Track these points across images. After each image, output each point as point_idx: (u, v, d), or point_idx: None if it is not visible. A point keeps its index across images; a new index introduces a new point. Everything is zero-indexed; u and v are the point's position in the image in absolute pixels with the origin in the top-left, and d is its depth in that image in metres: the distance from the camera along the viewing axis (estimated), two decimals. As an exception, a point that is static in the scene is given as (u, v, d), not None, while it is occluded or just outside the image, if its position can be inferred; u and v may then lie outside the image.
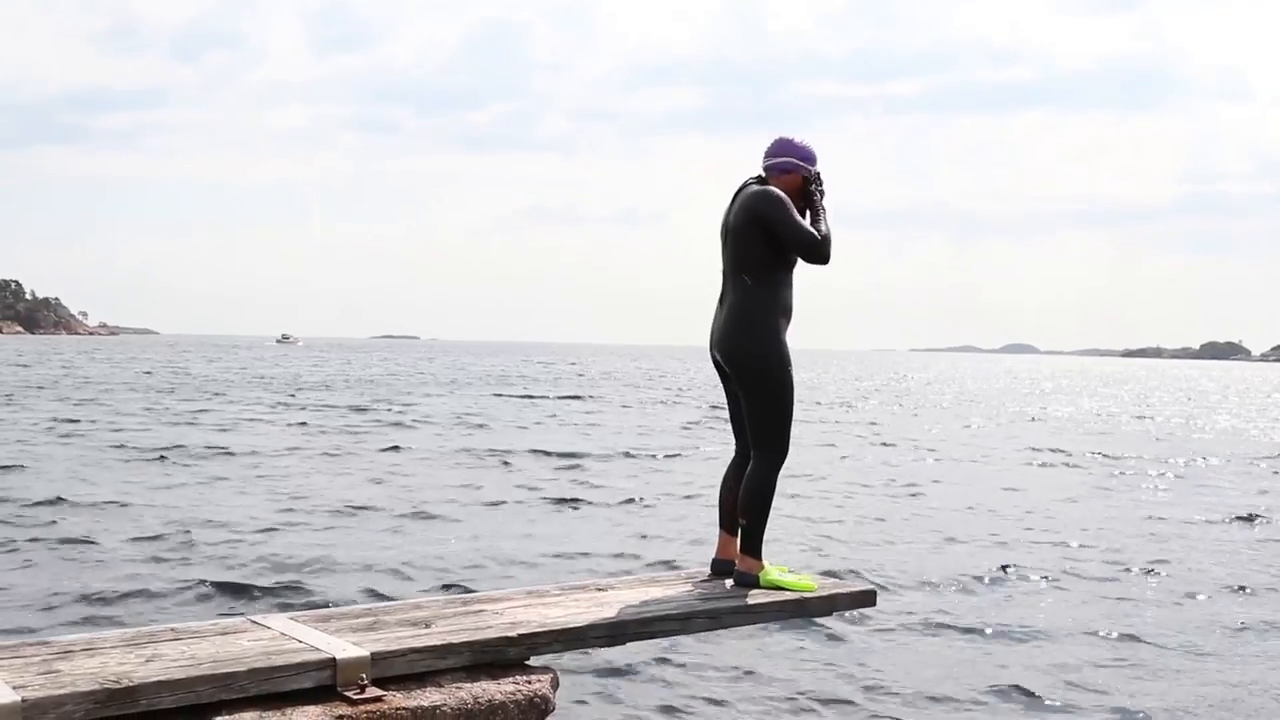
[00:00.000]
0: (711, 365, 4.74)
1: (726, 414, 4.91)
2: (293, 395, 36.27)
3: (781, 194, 4.49)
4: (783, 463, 4.58)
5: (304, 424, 24.29)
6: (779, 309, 4.52)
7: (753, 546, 4.55)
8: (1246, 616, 8.77)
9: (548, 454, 19.14)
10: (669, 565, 9.44)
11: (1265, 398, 59.83)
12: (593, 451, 19.88)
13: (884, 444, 23.66)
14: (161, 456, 17.14)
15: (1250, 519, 13.93)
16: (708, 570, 4.90)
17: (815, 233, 4.47)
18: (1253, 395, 63.54)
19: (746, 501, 4.53)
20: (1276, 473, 20.46)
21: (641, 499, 14.01)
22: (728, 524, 4.75)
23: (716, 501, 4.82)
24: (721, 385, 4.79)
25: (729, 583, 4.62)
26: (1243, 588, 9.84)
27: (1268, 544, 12.27)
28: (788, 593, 4.48)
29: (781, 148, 4.66)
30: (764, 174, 4.67)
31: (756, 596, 4.43)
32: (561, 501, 13.71)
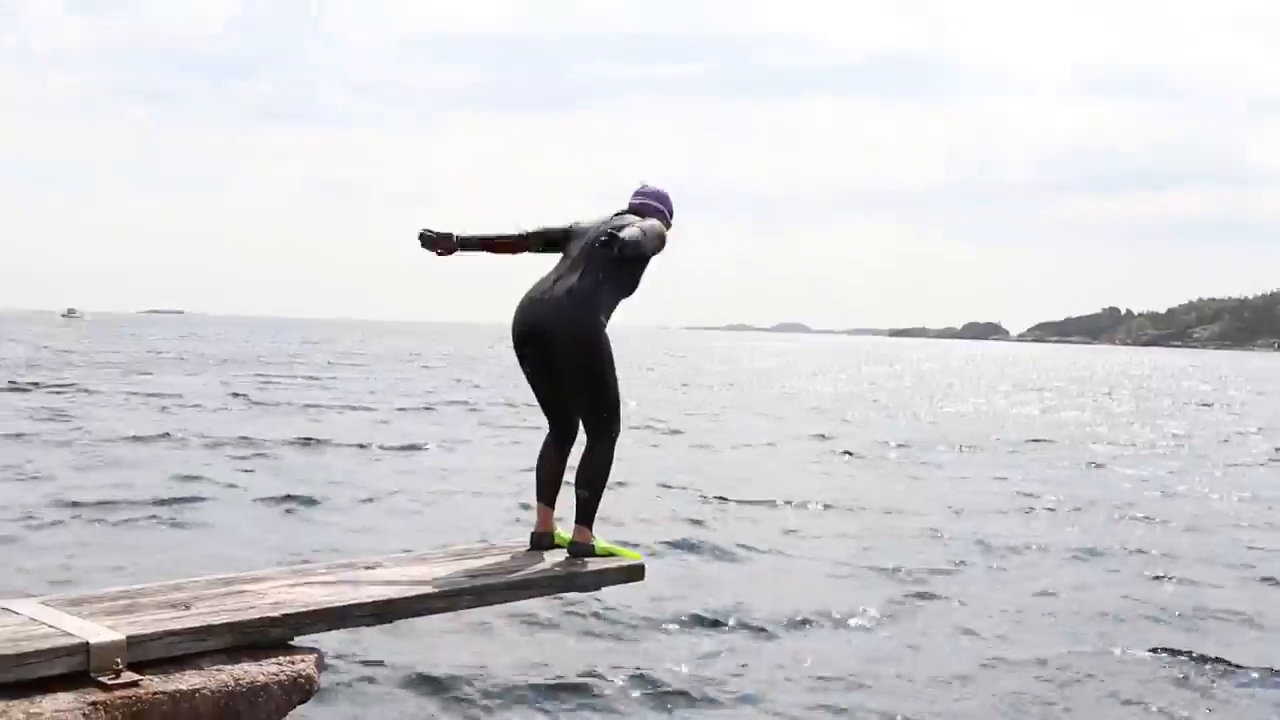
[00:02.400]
0: (508, 344, 4.82)
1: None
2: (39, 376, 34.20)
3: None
4: (617, 440, 4.82)
5: (60, 409, 22.93)
6: (614, 306, 4.78)
7: (589, 519, 4.76)
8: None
9: (303, 442, 18.11)
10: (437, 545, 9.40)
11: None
12: (328, 439, 18.72)
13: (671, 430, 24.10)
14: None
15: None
16: (484, 544, 5.04)
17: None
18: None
19: (588, 480, 4.75)
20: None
21: (385, 490, 13.33)
22: (547, 497, 4.91)
23: (522, 478, 4.95)
24: (525, 367, 4.83)
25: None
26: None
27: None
28: (557, 568, 4.63)
29: (655, 194, 5.05)
30: (632, 208, 4.98)
31: (528, 572, 4.54)
32: (292, 498, 12.62)
